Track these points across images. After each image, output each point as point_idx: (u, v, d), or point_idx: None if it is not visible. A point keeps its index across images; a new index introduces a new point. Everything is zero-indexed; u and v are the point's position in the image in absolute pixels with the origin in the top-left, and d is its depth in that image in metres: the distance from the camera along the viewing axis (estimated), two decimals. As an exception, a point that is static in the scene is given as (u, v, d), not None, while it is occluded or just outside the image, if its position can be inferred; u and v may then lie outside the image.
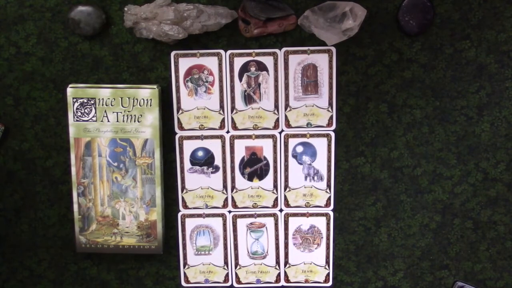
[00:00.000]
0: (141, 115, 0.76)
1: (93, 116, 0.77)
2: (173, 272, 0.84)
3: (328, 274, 0.84)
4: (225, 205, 0.82)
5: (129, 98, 0.76)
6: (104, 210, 0.79)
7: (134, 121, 0.77)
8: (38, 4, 0.77)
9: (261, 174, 0.81)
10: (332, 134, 0.80)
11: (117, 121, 0.77)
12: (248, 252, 0.83)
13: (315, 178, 0.81)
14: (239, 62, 0.78)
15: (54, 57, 0.78)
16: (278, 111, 0.79)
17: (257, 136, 0.80)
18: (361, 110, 0.80)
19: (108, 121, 0.77)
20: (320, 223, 0.82)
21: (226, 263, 0.83)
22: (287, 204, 0.82)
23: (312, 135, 0.80)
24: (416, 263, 0.83)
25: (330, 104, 0.79)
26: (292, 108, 0.79)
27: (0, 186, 0.81)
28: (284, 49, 0.78)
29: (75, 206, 0.79)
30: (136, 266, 0.84)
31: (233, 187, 0.81)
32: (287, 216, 0.82)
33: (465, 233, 0.82)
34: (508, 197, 0.82)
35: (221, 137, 0.80)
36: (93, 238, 0.80)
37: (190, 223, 0.82)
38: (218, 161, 0.81)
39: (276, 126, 0.80)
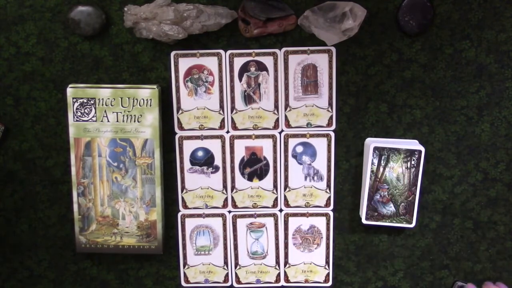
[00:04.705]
0: (141, 115, 0.76)
1: (93, 116, 0.77)
2: (173, 272, 0.84)
3: (328, 274, 0.84)
4: (225, 205, 0.82)
5: (129, 98, 0.76)
6: (104, 210, 0.79)
7: (134, 121, 0.77)
8: (38, 4, 0.77)
9: (261, 174, 0.81)
10: (332, 134, 0.80)
11: (117, 121, 0.77)
12: (248, 252, 0.83)
13: (315, 178, 0.81)
14: (239, 62, 0.78)
15: (54, 57, 0.78)
16: (278, 111, 0.79)
17: (257, 136, 0.80)
18: (361, 110, 0.80)
19: (108, 121, 0.77)
20: (320, 223, 0.82)
21: (226, 263, 0.83)
22: (287, 204, 0.82)
23: (312, 135, 0.80)
24: (416, 263, 0.83)
25: (330, 104, 0.79)
26: (292, 108, 0.79)
27: (0, 186, 0.81)
28: (284, 49, 0.78)
29: (75, 206, 0.79)
30: (136, 266, 0.84)
31: (233, 187, 0.81)
32: (287, 216, 0.82)
33: (465, 233, 0.82)
34: (508, 197, 0.82)
35: (221, 137, 0.80)
36: (93, 238, 0.80)
37: (190, 223, 0.82)
38: (218, 161, 0.81)
39: (276, 126, 0.80)
